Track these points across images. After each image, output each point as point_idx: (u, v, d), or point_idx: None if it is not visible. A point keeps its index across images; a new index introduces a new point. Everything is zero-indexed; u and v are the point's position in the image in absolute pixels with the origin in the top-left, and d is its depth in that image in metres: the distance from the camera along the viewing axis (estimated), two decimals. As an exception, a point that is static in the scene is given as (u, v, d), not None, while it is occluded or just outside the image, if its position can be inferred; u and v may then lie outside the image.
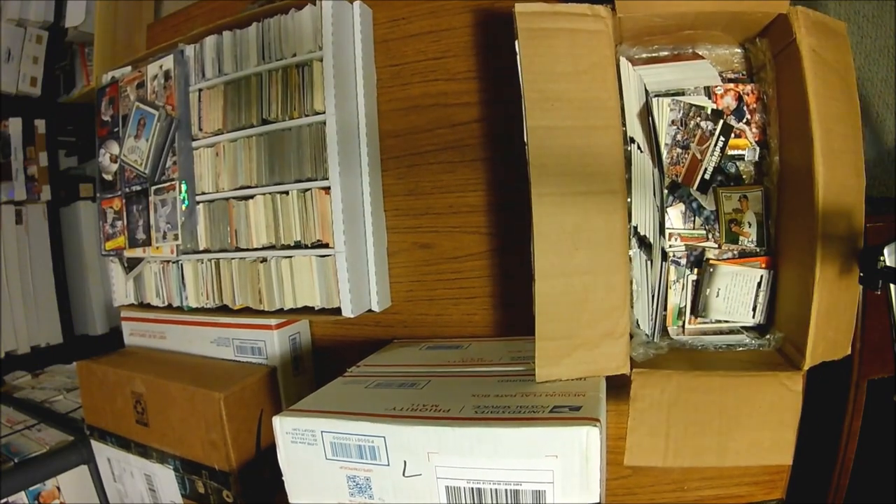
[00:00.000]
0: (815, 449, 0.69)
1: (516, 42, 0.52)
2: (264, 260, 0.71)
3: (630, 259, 0.56)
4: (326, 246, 0.67)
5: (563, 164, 0.51)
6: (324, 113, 0.66)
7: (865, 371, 0.79)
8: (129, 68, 0.83)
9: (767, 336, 0.58)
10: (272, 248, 0.72)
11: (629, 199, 0.56)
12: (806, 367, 0.51)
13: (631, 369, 0.53)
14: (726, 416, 0.52)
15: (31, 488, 0.82)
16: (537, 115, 0.51)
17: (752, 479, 0.66)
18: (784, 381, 0.51)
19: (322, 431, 0.48)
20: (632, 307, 0.57)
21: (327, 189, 0.66)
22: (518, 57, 0.52)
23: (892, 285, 0.49)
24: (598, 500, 0.42)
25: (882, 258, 0.47)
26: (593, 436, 0.41)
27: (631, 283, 0.56)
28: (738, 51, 0.61)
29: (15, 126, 1.57)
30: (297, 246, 0.70)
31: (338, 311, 0.67)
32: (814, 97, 0.50)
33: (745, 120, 0.60)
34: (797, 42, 0.51)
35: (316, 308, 0.70)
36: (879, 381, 0.79)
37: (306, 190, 0.68)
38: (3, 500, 0.79)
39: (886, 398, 0.79)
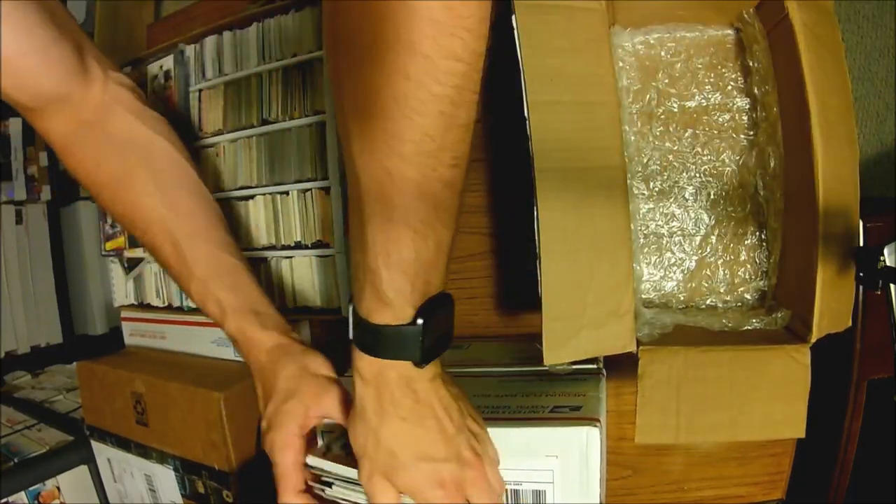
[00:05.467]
0: (815, 449, 0.69)
1: (512, 17, 0.52)
2: (264, 260, 0.71)
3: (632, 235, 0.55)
4: (327, 246, 0.67)
5: (564, 139, 0.50)
6: (324, 113, 0.66)
7: (865, 371, 0.79)
8: (129, 68, 0.83)
9: (774, 315, 0.57)
10: (272, 248, 0.72)
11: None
12: (813, 339, 0.50)
13: (637, 349, 0.52)
14: (736, 391, 0.52)
15: (31, 488, 0.82)
16: (537, 89, 0.50)
17: (753, 480, 0.66)
18: (792, 354, 0.51)
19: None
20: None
21: (327, 189, 0.66)
22: (515, 31, 0.52)
23: (892, 285, 0.49)
24: (597, 501, 0.42)
25: (882, 258, 0.47)
26: (593, 436, 0.41)
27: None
28: (731, 32, 0.62)
29: (15, 126, 1.56)
30: (298, 246, 0.70)
31: (338, 311, 0.67)
32: (809, 72, 0.50)
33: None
34: (790, 17, 0.51)
35: (316, 309, 0.70)
36: (879, 381, 0.79)
37: (306, 190, 0.68)
38: (3, 500, 0.79)
39: (886, 398, 0.79)
